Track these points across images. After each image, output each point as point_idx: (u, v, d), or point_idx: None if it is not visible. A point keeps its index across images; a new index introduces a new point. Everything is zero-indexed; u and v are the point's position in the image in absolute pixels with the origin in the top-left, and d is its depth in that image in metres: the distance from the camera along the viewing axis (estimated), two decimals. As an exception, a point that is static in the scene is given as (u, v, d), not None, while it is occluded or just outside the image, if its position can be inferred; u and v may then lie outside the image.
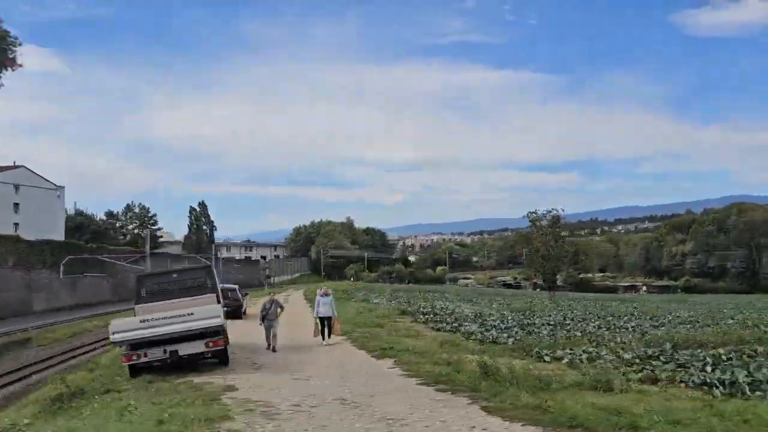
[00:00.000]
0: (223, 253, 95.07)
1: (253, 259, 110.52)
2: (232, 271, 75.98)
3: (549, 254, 58.26)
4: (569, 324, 24.42)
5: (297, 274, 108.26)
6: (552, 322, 24.78)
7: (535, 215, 60.75)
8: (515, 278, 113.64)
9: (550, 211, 60.66)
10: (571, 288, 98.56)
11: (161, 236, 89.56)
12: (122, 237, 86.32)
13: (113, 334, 13.21)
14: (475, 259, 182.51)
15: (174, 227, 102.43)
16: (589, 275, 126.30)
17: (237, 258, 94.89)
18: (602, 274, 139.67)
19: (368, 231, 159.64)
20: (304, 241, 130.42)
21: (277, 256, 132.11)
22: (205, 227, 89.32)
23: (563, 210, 61.20)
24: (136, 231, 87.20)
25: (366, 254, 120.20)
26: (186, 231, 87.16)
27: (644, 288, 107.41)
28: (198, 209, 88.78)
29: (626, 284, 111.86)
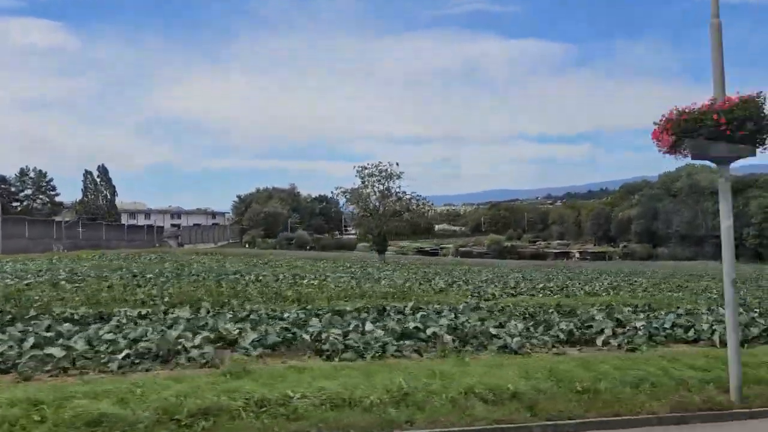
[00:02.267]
0: (128, 221, 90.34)
1: (171, 225, 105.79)
2: (118, 237, 71.37)
3: (375, 213, 52.61)
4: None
5: (221, 243, 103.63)
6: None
7: (366, 169, 53.73)
8: (440, 246, 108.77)
9: (378, 165, 53.85)
10: (494, 254, 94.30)
11: (61, 203, 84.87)
12: (17, 203, 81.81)
13: None
14: (439, 226, 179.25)
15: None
16: (518, 242, 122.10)
17: (133, 225, 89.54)
18: (546, 241, 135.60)
19: (320, 199, 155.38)
20: (246, 209, 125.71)
21: (216, 224, 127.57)
22: (106, 192, 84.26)
23: (397, 164, 53.33)
24: (31, 197, 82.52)
25: (301, 221, 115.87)
26: (80, 196, 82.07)
27: (577, 255, 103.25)
28: (98, 173, 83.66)
29: (557, 251, 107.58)
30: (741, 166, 8.63)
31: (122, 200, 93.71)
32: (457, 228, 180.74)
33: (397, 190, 54.07)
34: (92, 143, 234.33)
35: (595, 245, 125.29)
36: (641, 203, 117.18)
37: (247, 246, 76.93)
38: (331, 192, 60.33)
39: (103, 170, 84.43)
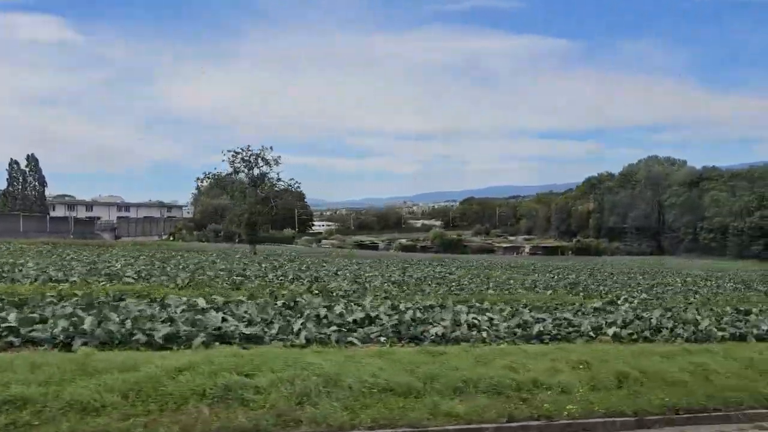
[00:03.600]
0: (59, 213, 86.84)
1: (118, 218, 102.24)
2: (39, 228, 68.27)
3: (241, 200, 49.01)
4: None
5: (165, 236, 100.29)
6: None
7: (238, 155, 48.79)
8: (385, 240, 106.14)
9: (249, 148, 48.86)
10: (438, 249, 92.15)
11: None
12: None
13: None
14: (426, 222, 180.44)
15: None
16: (475, 237, 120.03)
17: (59, 216, 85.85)
18: (513, 236, 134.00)
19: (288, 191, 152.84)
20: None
21: (171, 217, 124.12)
22: (35, 182, 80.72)
23: (271, 148, 49.19)
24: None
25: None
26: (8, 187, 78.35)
27: (527, 249, 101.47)
28: (27, 163, 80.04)
29: (507, 245, 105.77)
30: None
31: (51, 192, 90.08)
32: (438, 223, 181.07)
33: (273, 176, 50.43)
34: (95, 139, 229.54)
35: (555, 240, 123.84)
36: (596, 197, 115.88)
37: (171, 238, 74.01)
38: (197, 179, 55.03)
39: (32, 159, 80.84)
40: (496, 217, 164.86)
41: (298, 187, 58.72)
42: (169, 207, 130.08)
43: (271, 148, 49.48)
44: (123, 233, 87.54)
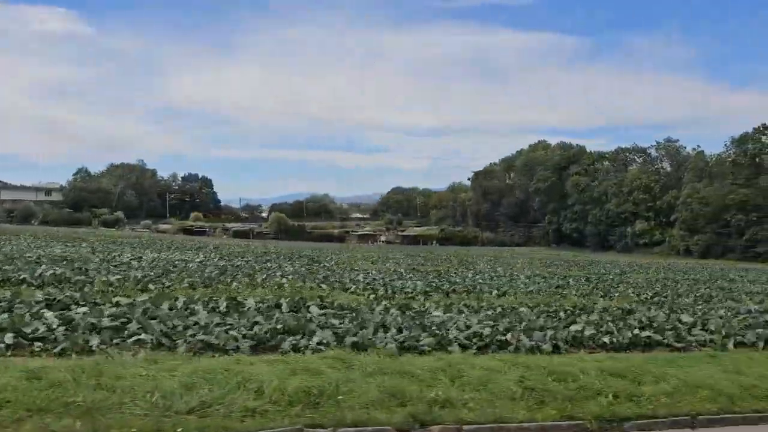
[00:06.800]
0: None
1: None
2: None
3: None
4: None
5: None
6: None
7: None
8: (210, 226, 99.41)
9: None
10: (276, 236, 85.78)
11: None
12: None
13: None
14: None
15: None
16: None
17: None
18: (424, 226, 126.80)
19: (189, 179, 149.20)
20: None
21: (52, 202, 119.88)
22: None
23: None
24: None
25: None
26: None
27: (382, 238, 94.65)
28: None
29: (361, 233, 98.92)
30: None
31: None
32: (367, 216, 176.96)
33: None
34: (104, 130, 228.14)
35: (446, 228, 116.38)
36: (473, 185, 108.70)
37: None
38: None
39: None
40: (416, 206, 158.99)
41: None
42: (48, 191, 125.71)
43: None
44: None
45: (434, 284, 19.30)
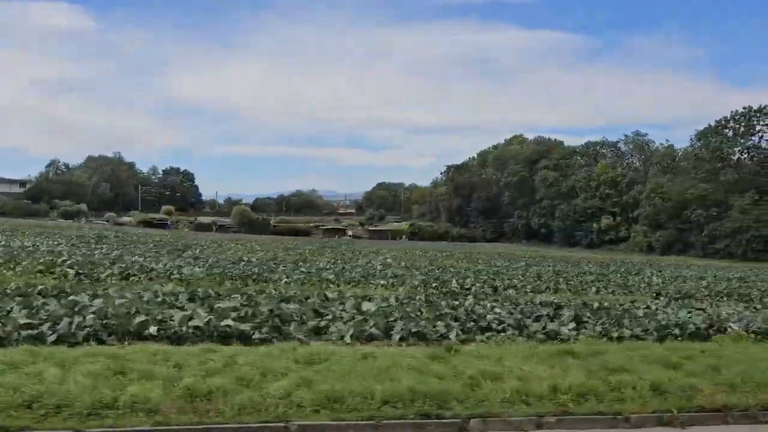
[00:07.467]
0: None
1: None
2: None
3: None
4: None
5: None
6: None
7: None
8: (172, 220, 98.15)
9: None
10: (239, 230, 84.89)
11: None
12: None
13: None
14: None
15: None
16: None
17: None
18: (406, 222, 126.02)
19: (169, 172, 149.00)
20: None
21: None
22: None
23: None
24: None
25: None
26: None
27: (350, 233, 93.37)
28: None
29: (329, 227, 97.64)
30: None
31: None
32: (352, 210, 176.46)
33: None
34: (107, 127, 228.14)
35: (416, 223, 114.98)
36: (446, 180, 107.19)
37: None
38: None
39: None
40: (401, 202, 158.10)
41: None
42: (23, 183, 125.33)
43: None
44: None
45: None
